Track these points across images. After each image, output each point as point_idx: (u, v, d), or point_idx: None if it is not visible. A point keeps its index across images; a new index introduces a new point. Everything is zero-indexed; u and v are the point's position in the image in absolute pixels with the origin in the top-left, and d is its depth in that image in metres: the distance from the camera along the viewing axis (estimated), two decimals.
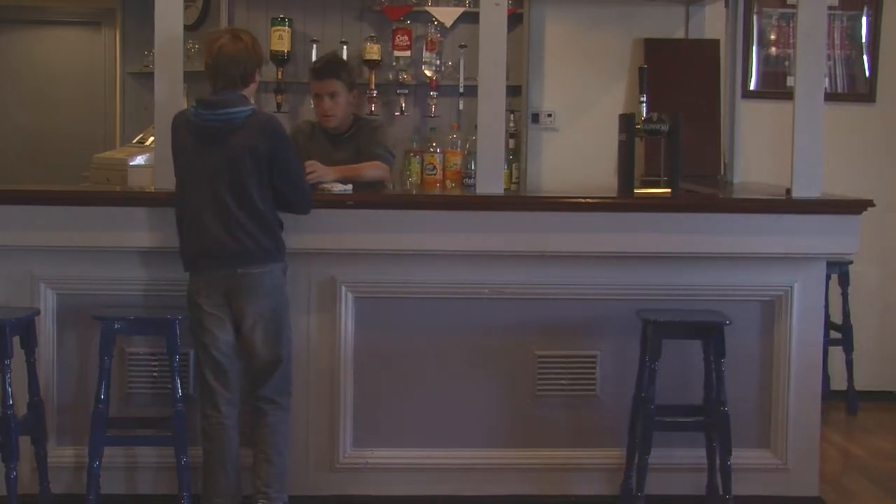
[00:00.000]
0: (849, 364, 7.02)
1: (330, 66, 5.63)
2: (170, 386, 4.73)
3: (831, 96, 6.43)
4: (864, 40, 7.36)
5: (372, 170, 5.38)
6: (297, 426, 4.98)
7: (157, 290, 4.96)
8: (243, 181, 4.47)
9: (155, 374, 5.03)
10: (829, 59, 7.08)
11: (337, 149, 5.60)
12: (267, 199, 4.56)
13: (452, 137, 6.94)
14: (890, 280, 7.42)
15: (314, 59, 6.82)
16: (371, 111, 6.86)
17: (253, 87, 4.71)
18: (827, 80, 6.90)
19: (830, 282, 6.43)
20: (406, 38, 6.98)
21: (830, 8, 5.77)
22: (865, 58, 7.37)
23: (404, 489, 5.09)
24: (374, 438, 5.10)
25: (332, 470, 5.08)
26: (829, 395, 6.78)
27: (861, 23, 7.34)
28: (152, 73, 5.06)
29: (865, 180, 7.02)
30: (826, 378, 6.79)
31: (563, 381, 5.16)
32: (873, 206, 5.08)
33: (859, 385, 7.10)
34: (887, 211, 7.06)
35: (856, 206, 5.05)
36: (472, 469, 5.13)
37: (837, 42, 7.33)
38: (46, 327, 4.97)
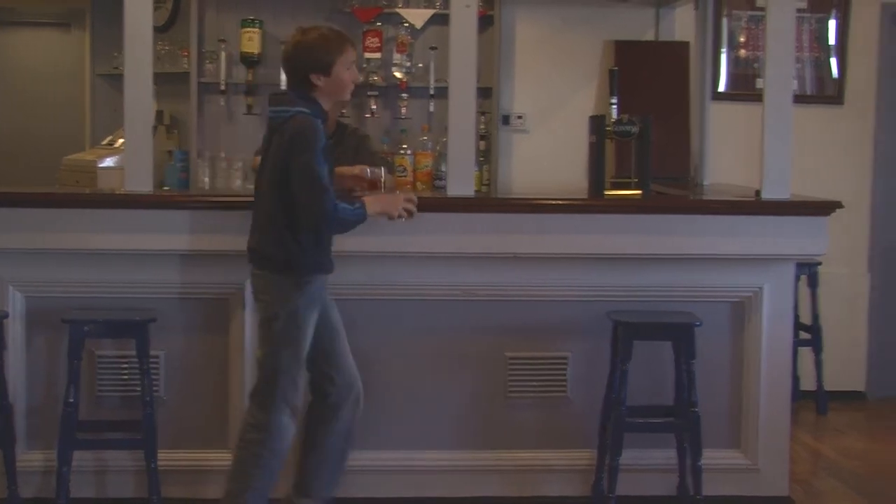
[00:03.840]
0: (818, 364, 7.06)
1: None
2: (140, 388, 4.71)
3: (800, 98, 6.44)
4: (832, 43, 7.41)
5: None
6: None
7: (127, 293, 4.94)
8: (266, 180, 4.42)
9: (125, 376, 5.00)
10: (797, 62, 7.11)
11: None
12: (280, 203, 4.35)
13: (423, 139, 6.95)
14: (858, 281, 7.46)
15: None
16: (342, 113, 6.84)
17: (324, 86, 4.39)
18: (796, 82, 6.91)
19: (800, 283, 6.50)
20: (376, 39, 6.97)
21: (799, 10, 5.76)
22: (834, 60, 7.41)
23: (375, 492, 5.08)
24: None
25: None
26: (798, 395, 6.82)
27: (829, 25, 7.38)
28: (122, 75, 5.03)
29: (834, 182, 7.06)
30: (795, 378, 6.81)
31: (534, 383, 5.17)
32: (842, 207, 5.11)
33: (829, 385, 7.14)
34: (855, 212, 7.14)
35: (824, 208, 5.08)
36: (444, 471, 5.13)
37: (806, 44, 7.37)
38: (15, 330, 4.94)
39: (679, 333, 4.87)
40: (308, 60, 4.38)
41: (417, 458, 5.12)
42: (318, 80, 4.37)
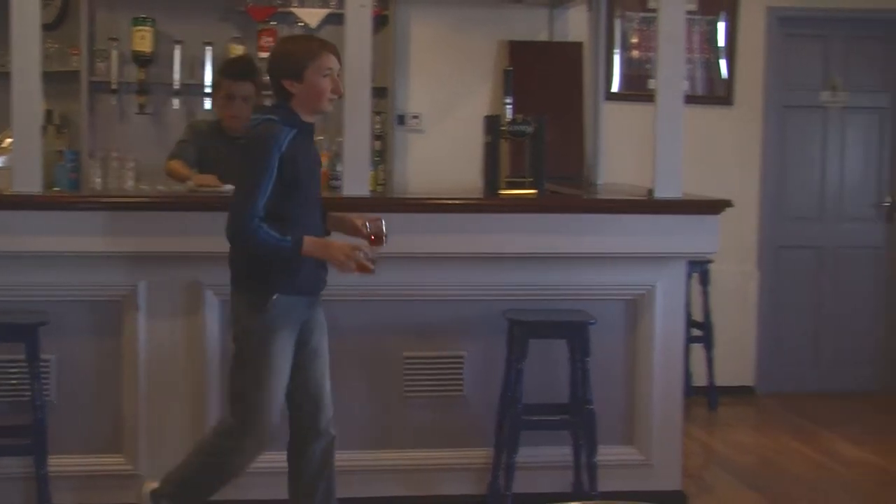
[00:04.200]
0: (709, 361, 7.18)
1: (249, 68, 5.58)
2: (30, 393, 4.62)
3: (691, 99, 6.54)
4: (721, 44, 7.54)
5: None
6: (164, 432, 4.92)
7: (17, 295, 4.84)
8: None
9: (14, 381, 4.89)
10: (688, 63, 7.22)
11: (237, 152, 5.50)
12: None
13: (318, 139, 6.90)
14: (748, 278, 7.61)
15: (178, 60, 6.77)
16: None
17: (299, 93, 4.22)
18: (687, 82, 7.04)
19: (691, 280, 6.60)
20: (271, 39, 6.91)
21: (690, 12, 5.87)
22: (723, 61, 7.54)
23: (272, 493, 5.04)
24: None
25: None
26: (690, 391, 6.92)
27: (718, 27, 7.51)
28: (9, 73, 4.92)
29: (724, 181, 7.19)
30: (688, 375, 6.93)
31: (430, 382, 5.18)
32: (732, 206, 5.20)
33: (720, 381, 7.27)
34: (746, 210, 7.27)
35: (715, 207, 5.16)
36: (342, 472, 5.08)
37: (697, 46, 7.48)
38: None
39: (573, 332, 4.91)
40: (281, 66, 4.25)
41: None
42: (293, 87, 4.22)
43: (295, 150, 4.20)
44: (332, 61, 4.27)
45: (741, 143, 7.56)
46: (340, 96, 4.43)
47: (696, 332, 7.11)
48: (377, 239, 4.35)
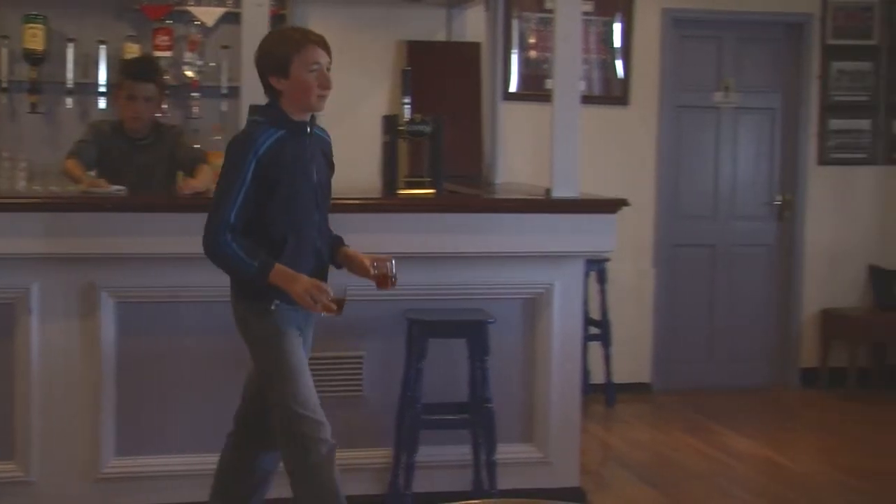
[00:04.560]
0: (607, 358, 7.26)
1: (151, 68, 5.50)
2: None
3: (588, 99, 6.62)
4: (617, 45, 7.62)
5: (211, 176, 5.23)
6: (58, 438, 4.84)
7: None
8: None
9: None
10: (585, 63, 7.29)
11: (139, 153, 5.43)
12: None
13: (215, 139, 6.84)
14: (644, 276, 7.71)
15: (71, 58, 6.65)
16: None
17: (286, 90, 4.04)
18: (584, 83, 7.11)
19: (589, 279, 6.66)
20: (167, 38, 6.84)
21: (586, 13, 5.93)
22: (619, 62, 7.62)
23: (169, 497, 4.98)
24: (137, 446, 4.98)
25: (95, 480, 4.94)
26: (588, 388, 7.00)
27: (615, 28, 7.59)
28: None
29: (621, 180, 7.28)
30: (586, 372, 7.00)
31: (330, 383, 5.15)
32: (628, 205, 5.26)
33: (617, 378, 7.35)
34: (642, 209, 7.36)
35: (612, 206, 5.21)
36: None
37: (594, 46, 7.55)
38: None
39: (472, 331, 4.93)
40: (266, 62, 4.04)
41: (213, 461, 5.04)
42: (279, 84, 4.02)
43: (278, 152, 4.00)
44: (318, 54, 4.04)
45: (637, 143, 7.65)
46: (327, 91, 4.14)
47: (594, 331, 7.18)
48: (383, 281, 4.21)
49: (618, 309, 7.37)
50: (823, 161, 7.94)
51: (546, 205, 5.20)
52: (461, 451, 5.12)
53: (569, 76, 5.27)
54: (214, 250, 3.97)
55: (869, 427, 7.03)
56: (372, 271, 4.19)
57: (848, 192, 8.00)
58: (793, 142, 7.92)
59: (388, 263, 4.20)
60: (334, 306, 4.04)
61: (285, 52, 4.00)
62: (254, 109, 4.19)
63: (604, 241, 5.24)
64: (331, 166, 4.31)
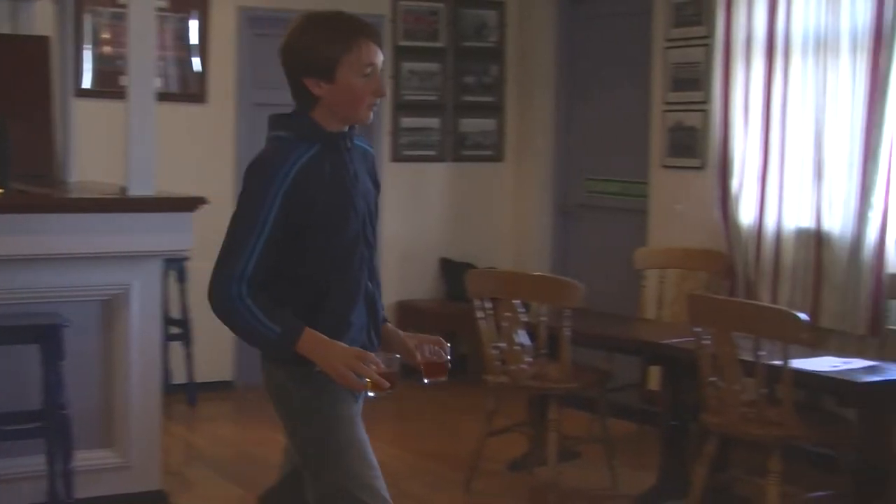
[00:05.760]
0: (188, 357, 7.22)
1: None
2: None
3: (165, 96, 6.57)
4: (194, 42, 7.58)
5: None
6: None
7: None
8: None
9: None
10: (161, 60, 7.21)
11: None
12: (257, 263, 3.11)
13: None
14: None
15: None
16: None
17: (327, 96, 3.13)
18: (160, 80, 7.03)
19: (168, 278, 6.61)
20: None
21: (160, 10, 5.86)
22: (196, 59, 7.59)
23: None
24: None
25: None
26: (171, 388, 6.93)
27: (190, 25, 7.55)
28: None
29: (200, 178, 7.24)
30: (167, 373, 6.93)
31: None
32: (206, 203, 5.27)
33: (199, 377, 7.32)
34: (220, 207, 7.33)
35: (189, 204, 5.20)
36: None
37: (170, 43, 7.49)
38: None
39: (45, 335, 4.78)
40: (300, 60, 3.13)
41: None
42: (318, 88, 3.12)
43: (312, 175, 3.12)
44: (374, 53, 3.15)
45: (216, 140, 7.65)
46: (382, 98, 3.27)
47: (175, 330, 7.12)
48: (436, 370, 3.26)
49: (199, 308, 7.32)
50: (396, 158, 8.24)
51: (122, 204, 5.13)
52: (36, 462, 4.93)
53: (143, 73, 5.23)
54: (223, 309, 3.09)
55: (442, 412, 7.35)
56: (419, 356, 3.29)
57: (420, 189, 8.35)
58: (374, 141, 8.16)
59: (442, 348, 3.27)
60: (386, 383, 3.06)
61: (333, 49, 3.11)
62: (275, 121, 3.26)
63: (182, 239, 5.23)
64: (376, 186, 3.37)
